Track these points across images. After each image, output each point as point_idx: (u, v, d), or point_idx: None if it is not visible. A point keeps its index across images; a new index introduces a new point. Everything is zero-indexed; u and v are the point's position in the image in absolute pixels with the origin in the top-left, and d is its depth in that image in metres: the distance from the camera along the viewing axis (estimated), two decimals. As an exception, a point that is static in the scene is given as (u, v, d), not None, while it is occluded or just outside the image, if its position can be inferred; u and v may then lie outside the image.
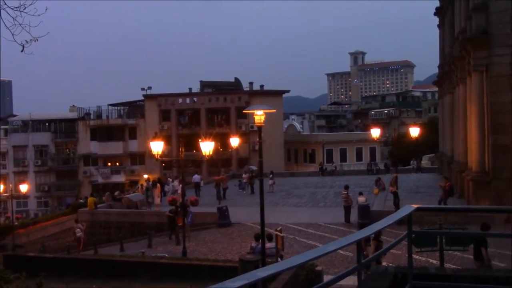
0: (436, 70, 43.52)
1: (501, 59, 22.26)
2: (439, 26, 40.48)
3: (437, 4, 39.32)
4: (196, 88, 71.72)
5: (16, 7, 7.29)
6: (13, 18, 7.22)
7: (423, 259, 16.02)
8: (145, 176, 50.61)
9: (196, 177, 39.36)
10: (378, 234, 13.87)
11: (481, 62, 22.70)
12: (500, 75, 22.31)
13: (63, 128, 68.28)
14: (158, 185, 33.50)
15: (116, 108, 71.50)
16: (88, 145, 65.45)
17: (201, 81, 73.38)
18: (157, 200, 31.80)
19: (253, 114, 19.96)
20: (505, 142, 22.22)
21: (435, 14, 40.40)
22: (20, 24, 7.32)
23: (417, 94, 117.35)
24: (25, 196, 61.25)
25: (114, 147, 64.38)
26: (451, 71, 32.13)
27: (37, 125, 68.57)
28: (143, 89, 65.94)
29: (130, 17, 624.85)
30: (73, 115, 69.19)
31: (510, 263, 13.48)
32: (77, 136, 66.48)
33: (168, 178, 43.25)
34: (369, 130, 40.88)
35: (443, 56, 38.47)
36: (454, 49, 30.65)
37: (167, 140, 54.95)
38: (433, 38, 42.15)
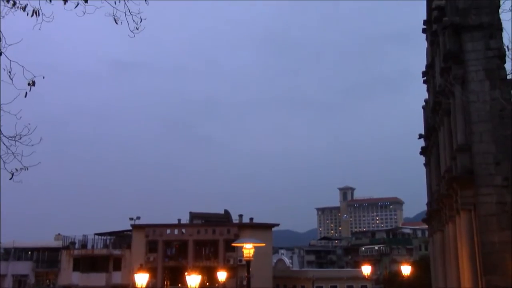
0: (425, 208, 43.80)
1: (487, 199, 22.52)
2: (425, 164, 41.52)
3: (423, 143, 40.73)
4: (185, 219, 71.33)
5: (11, 137, 7.44)
6: (6, 147, 7.34)
7: None
8: (127, 311, 48.19)
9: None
10: None
11: (469, 201, 22.91)
12: (488, 214, 22.41)
13: (46, 257, 66.35)
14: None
15: (102, 237, 70.24)
16: (69, 276, 63.15)
17: (190, 212, 73.12)
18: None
19: (242, 247, 19.66)
20: (499, 283, 21.66)
21: (421, 153, 41.66)
22: (13, 153, 7.42)
23: (407, 231, 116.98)
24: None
25: (97, 279, 62.10)
26: (440, 209, 32.32)
27: (19, 253, 66.68)
28: (131, 218, 65.50)
29: (120, 146, 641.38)
30: (58, 243, 67.72)
31: None
32: (59, 265, 64.39)
33: None
34: (360, 267, 40.06)
35: (431, 194, 38.95)
36: (441, 188, 31.14)
37: (153, 272, 53.31)
38: (420, 176, 43.04)
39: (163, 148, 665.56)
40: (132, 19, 8.22)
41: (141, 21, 8.31)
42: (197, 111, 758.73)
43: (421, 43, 41.22)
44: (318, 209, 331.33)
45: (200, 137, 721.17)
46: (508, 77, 22.82)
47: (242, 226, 65.07)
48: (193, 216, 72.08)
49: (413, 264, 45.31)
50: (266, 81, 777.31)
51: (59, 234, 73.81)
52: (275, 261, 75.54)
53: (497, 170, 22.71)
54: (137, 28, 8.35)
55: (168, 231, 65.26)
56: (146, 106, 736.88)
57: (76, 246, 66.55)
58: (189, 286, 23.29)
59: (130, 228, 66.16)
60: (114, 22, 8.16)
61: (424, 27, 36.30)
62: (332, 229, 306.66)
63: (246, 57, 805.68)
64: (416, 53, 59.57)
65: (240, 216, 69.48)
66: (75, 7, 7.83)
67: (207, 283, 56.90)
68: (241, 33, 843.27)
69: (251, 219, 68.95)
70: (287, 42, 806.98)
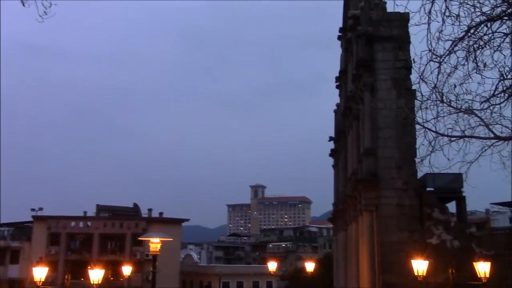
0: (331, 207, 45.43)
1: (388, 201, 23.79)
2: (333, 166, 43.05)
3: (332, 146, 42.18)
4: (92, 212, 69.04)
5: None
6: None
7: None
8: (23, 306, 45.83)
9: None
10: None
11: (371, 203, 24.07)
12: (388, 216, 23.67)
13: None
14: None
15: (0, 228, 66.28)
16: (-40, 268, 59.00)
17: (97, 205, 70.84)
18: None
19: (148, 241, 19.38)
20: (393, 280, 22.95)
21: (330, 155, 43.13)
22: None
23: (314, 229, 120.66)
24: None
25: (-9, 272, 58.53)
26: (345, 209, 33.66)
27: None
28: (33, 209, 62.43)
29: (26, 134, 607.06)
30: (-51, 233, 63.04)
31: None
32: (-51, 257, 59.96)
33: None
34: (267, 264, 40.73)
35: (337, 195, 40.45)
36: (347, 189, 32.45)
37: (53, 266, 51.07)
38: (329, 177, 44.56)
39: (72, 137, 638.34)
40: (42, 3, 7.80)
41: (50, 6, 7.90)
42: (112, 100, 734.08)
43: (336, 49, 42.68)
44: (229, 206, 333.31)
45: (115, 127, 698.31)
46: (413, 87, 24.25)
47: (151, 221, 64.07)
48: (100, 209, 69.91)
49: (317, 261, 46.71)
50: (184, 75, 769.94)
51: (-50, 223, 68.74)
52: (183, 256, 75.12)
53: (399, 174, 24.07)
54: (45, 13, 7.93)
55: (73, 223, 62.88)
56: (58, 93, 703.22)
57: (-30, 236, 62.37)
58: (91, 280, 22.52)
59: (31, 219, 63.00)
60: (22, 4, 7.70)
61: (340, 34, 37.59)
62: (242, 226, 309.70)
63: (164, 50, 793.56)
64: (330, 58, 61.62)
65: (150, 210, 68.40)
66: (-21, -18, 7.29)
67: (111, 278, 55.42)
68: (158, 25, 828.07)
69: (161, 213, 68.12)
70: (205, 40, 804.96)
